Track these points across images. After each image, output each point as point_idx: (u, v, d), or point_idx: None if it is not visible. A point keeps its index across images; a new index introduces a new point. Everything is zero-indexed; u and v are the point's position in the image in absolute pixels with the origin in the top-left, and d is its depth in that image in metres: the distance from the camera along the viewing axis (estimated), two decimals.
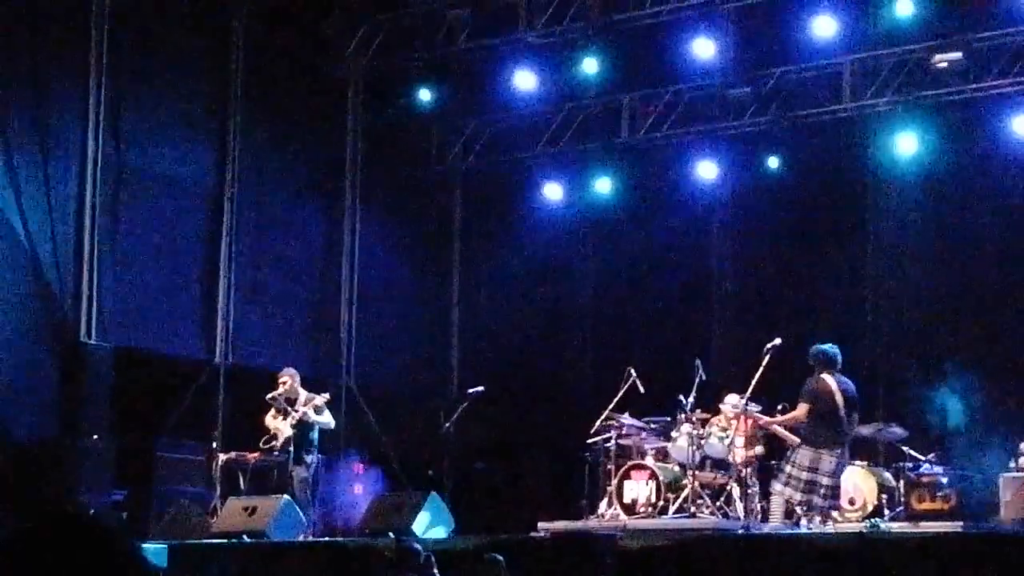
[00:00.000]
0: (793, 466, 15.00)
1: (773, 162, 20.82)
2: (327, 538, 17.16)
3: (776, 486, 15.20)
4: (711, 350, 20.55)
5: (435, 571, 12.04)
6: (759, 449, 16.87)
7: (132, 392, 18.30)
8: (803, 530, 14.98)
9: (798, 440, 15.38)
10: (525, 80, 21.40)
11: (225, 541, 15.95)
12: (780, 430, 15.82)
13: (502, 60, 21.43)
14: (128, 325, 19.03)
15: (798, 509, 15.10)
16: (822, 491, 14.91)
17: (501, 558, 11.76)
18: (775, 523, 15.15)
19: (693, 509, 16.11)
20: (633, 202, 21.99)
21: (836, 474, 15.07)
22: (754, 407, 16.41)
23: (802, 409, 15.01)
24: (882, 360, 19.60)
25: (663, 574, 12.97)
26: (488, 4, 20.94)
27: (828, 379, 15.10)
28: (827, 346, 15.31)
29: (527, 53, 21.14)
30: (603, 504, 16.81)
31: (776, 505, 15.33)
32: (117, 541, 2.52)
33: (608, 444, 17.01)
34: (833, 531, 14.78)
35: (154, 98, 19.73)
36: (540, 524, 16.00)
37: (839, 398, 15.01)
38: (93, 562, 2.49)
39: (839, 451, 15.08)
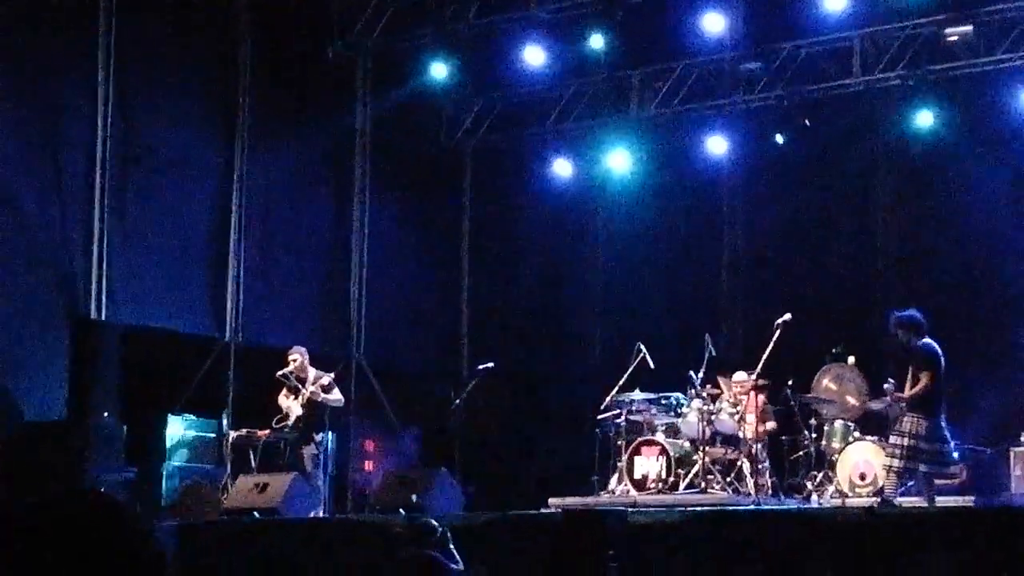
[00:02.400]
0: (926, 440, 14.15)
1: (783, 137, 20.77)
2: (338, 515, 17.18)
3: (917, 466, 14.51)
4: (721, 326, 20.54)
5: (451, 547, 12.04)
6: (771, 425, 16.86)
7: (142, 370, 18.31)
8: (814, 505, 14.96)
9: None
10: (534, 56, 21.34)
11: (236, 518, 15.97)
12: (877, 405, 15.27)
13: (511, 36, 21.38)
14: (138, 303, 19.05)
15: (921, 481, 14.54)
16: (941, 459, 14.43)
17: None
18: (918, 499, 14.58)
19: (704, 485, 16.11)
20: (643, 178, 21.96)
21: (946, 438, 14.52)
22: (762, 382, 16.39)
23: (928, 376, 14.33)
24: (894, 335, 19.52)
25: (674, 550, 12.96)
26: None
27: (932, 343, 14.63)
28: (915, 311, 14.79)
29: (536, 29, 21.08)
30: (613, 480, 16.81)
31: (921, 484, 14.76)
32: (126, 518, 2.51)
33: (618, 420, 17.01)
34: (844, 506, 14.76)
35: (163, 77, 19.71)
36: (551, 500, 16.02)
37: (943, 361, 14.56)
38: (102, 539, 2.47)
39: (946, 415, 14.60)
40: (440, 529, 12.06)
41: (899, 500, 14.89)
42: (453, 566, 11.74)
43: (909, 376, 14.31)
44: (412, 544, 11.90)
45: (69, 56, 18.69)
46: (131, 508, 2.54)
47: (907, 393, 14.59)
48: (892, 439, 14.40)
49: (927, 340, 14.46)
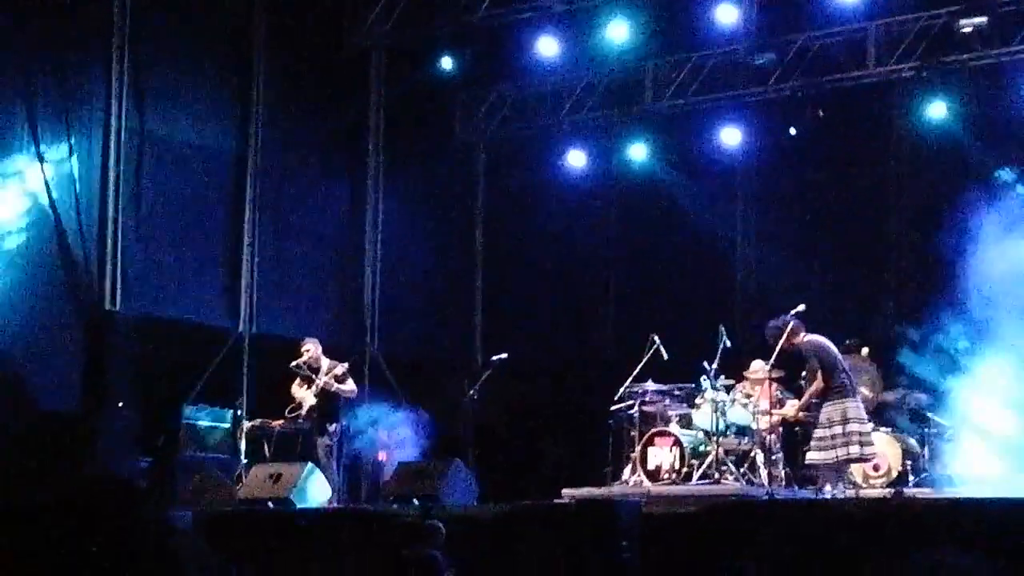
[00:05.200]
0: (824, 427, 14.83)
1: (796, 128, 20.74)
2: (351, 505, 17.21)
3: (817, 455, 14.97)
4: (735, 316, 20.53)
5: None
6: (789, 408, 16.85)
7: (157, 360, 18.35)
8: (827, 496, 14.96)
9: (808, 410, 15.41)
10: (548, 47, 21.33)
11: (250, 508, 16.00)
12: (806, 415, 15.72)
13: (525, 27, 21.36)
14: (153, 294, 19.09)
15: (843, 466, 14.92)
16: (857, 439, 14.79)
17: None
18: (835, 490, 14.89)
19: (717, 475, 16.12)
20: (657, 169, 21.98)
21: (863, 419, 14.97)
22: (777, 373, 16.37)
23: (818, 376, 14.92)
24: (907, 325, 19.49)
25: (687, 540, 12.96)
26: None
27: (813, 336, 15.11)
28: (786, 317, 15.26)
29: (550, 20, 21.06)
30: (627, 471, 16.82)
31: (826, 474, 15.12)
32: (145, 505, 2.55)
33: (632, 411, 17.01)
34: (857, 496, 14.77)
35: (177, 68, 19.74)
36: (564, 491, 16.03)
37: (832, 347, 15.07)
38: (121, 525, 2.51)
39: (857, 396, 15.03)
40: (435, 525, 12.17)
41: (912, 491, 14.94)
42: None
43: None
44: (418, 542, 11.98)
45: (83, 46, 18.71)
46: (149, 495, 2.56)
47: (804, 401, 15.19)
48: (843, 429, 14.71)
49: (809, 337, 14.97)
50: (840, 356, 15.16)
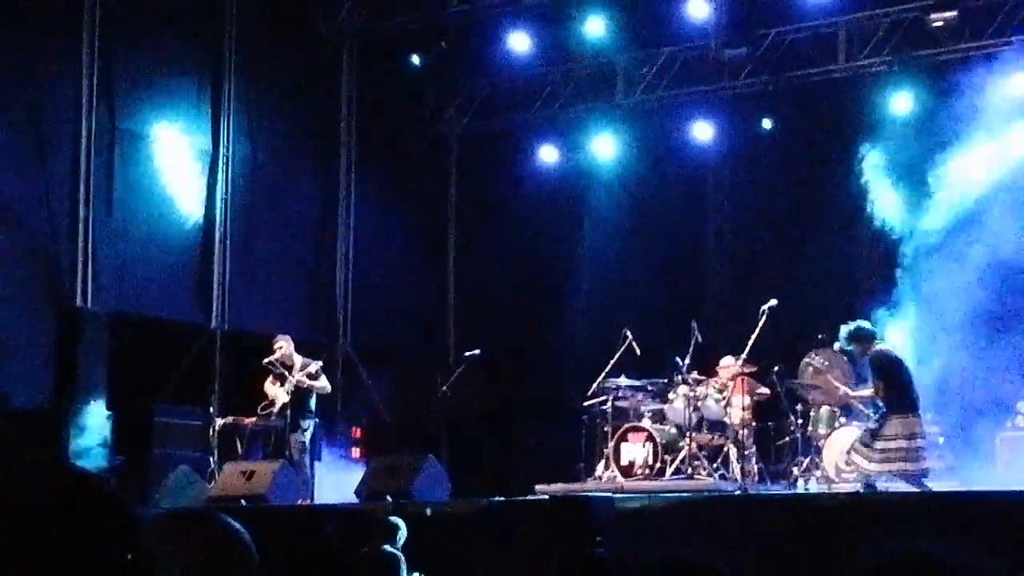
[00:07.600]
0: (887, 440, 14.39)
1: (768, 123, 20.79)
2: (324, 502, 17.18)
3: (868, 465, 14.60)
4: (707, 311, 20.55)
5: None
6: (761, 390, 16.84)
7: (129, 358, 18.28)
8: (800, 491, 15.00)
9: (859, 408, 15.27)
10: (520, 42, 21.34)
11: (223, 506, 15.96)
12: (856, 403, 15.55)
13: (496, 22, 21.36)
14: (124, 291, 19.01)
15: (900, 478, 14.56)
16: (923, 454, 14.42)
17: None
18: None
19: (690, 471, 16.14)
20: (629, 163, 21.98)
21: (925, 435, 14.55)
22: (749, 368, 16.41)
23: (878, 386, 14.43)
24: (879, 321, 19.55)
25: (660, 535, 12.99)
26: None
27: (887, 348, 14.75)
28: (860, 323, 14.88)
29: (521, 15, 21.08)
30: (600, 466, 16.83)
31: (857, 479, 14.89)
32: (115, 500, 2.53)
33: (605, 406, 17.02)
34: (829, 491, 14.80)
35: (148, 63, 19.67)
36: (537, 487, 16.03)
37: (899, 362, 14.62)
38: (91, 521, 2.49)
39: (910, 413, 14.57)
40: (393, 523, 12.19)
41: (885, 485, 14.93)
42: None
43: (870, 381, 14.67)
44: (381, 540, 11.97)
45: (53, 40, 18.62)
46: (119, 491, 2.55)
47: (859, 392, 14.98)
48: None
49: (882, 347, 14.58)
50: (908, 373, 14.62)
